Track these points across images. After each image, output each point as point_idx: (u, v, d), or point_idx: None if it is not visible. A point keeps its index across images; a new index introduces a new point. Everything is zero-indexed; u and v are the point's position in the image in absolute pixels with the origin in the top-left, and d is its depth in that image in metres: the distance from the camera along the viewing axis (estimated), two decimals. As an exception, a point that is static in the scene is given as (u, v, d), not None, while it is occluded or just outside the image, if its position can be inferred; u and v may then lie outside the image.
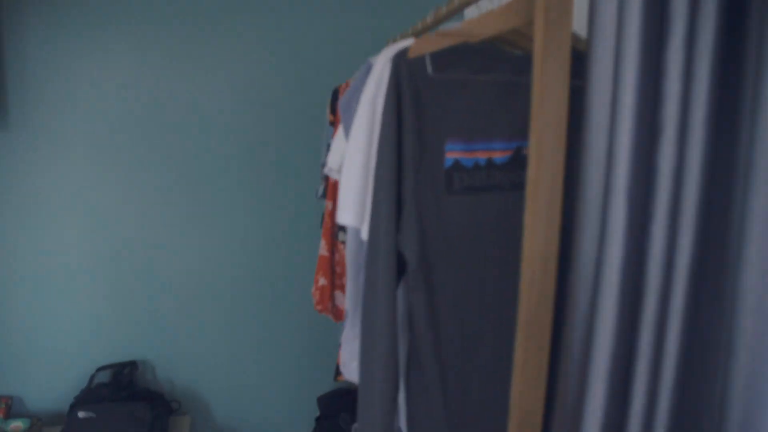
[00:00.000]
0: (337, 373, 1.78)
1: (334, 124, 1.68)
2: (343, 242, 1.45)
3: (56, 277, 1.83)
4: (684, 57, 0.68)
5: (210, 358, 1.98)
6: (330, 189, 1.59)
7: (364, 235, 1.04)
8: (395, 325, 1.01)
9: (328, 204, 1.60)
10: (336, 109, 1.68)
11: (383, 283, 0.99)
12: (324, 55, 1.91)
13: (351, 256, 1.18)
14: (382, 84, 1.02)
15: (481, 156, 1.06)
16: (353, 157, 1.04)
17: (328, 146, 1.69)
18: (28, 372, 1.85)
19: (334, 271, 1.62)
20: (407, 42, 1.04)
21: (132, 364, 1.89)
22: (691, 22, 0.68)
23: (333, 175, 1.26)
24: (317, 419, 1.83)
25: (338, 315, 1.65)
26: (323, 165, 1.82)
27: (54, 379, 1.87)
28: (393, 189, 0.99)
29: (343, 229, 1.45)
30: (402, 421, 1.17)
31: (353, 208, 1.03)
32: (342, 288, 1.64)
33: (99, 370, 1.86)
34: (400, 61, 0.99)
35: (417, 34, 1.31)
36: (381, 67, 1.02)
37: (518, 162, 1.08)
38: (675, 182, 0.72)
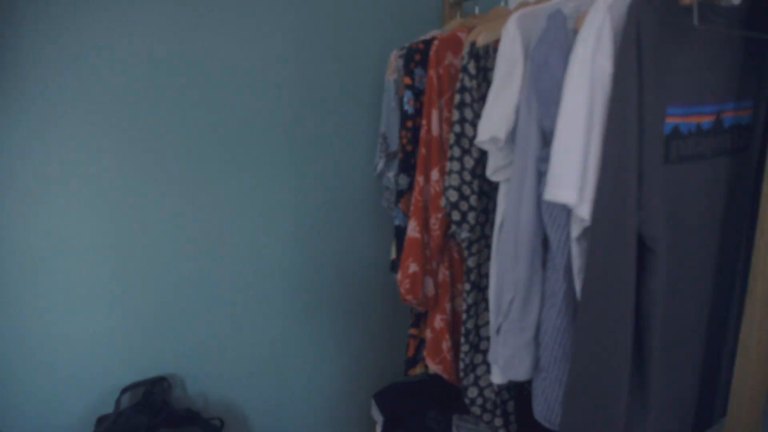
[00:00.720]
0: (410, 365, 1.63)
1: (412, 87, 1.48)
2: (458, 222, 1.29)
3: (52, 286, 1.47)
4: None
5: (244, 364, 1.71)
6: (421, 163, 1.41)
7: (585, 213, 0.90)
8: (633, 318, 0.89)
9: (419, 180, 1.42)
10: (412, 71, 1.49)
11: (624, 269, 0.87)
12: (372, 14, 1.68)
13: (524, 235, 1.03)
14: (604, 36, 0.87)
15: (694, 121, 0.95)
16: (572, 124, 0.88)
17: (406, 113, 1.49)
18: (23, 407, 1.48)
19: (425, 255, 1.45)
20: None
21: (162, 381, 1.59)
22: None
23: (489, 147, 1.09)
24: (387, 423, 1.65)
25: (428, 304, 1.49)
26: (384, 137, 1.63)
27: (57, 411, 1.52)
28: (636, 159, 0.85)
29: (457, 207, 1.27)
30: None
31: (576, 184, 0.88)
32: (431, 273, 1.47)
33: (125, 391, 1.54)
34: (642, 9, 0.84)
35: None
36: (601, 18, 0.87)
37: (720, 127, 0.99)
38: None
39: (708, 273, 1.02)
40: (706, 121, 0.97)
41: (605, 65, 0.88)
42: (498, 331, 1.12)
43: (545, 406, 1.11)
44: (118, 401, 1.52)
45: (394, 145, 1.61)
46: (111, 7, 1.40)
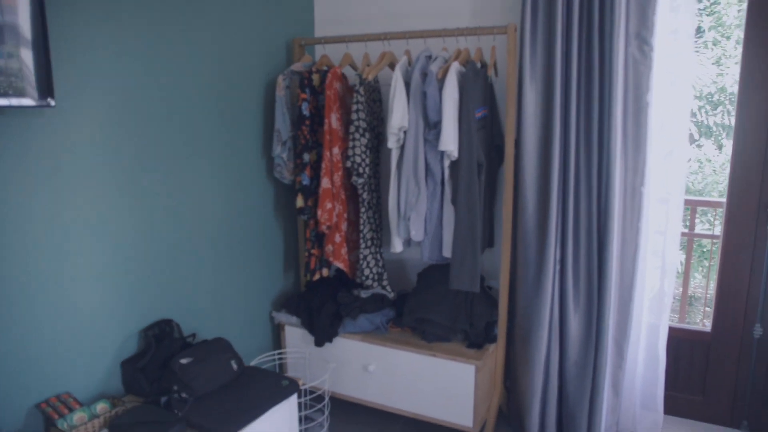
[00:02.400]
0: (312, 274, 2.58)
1: (306, 99, 2.42)
2: (360, 173, 2.34)
3: (80, 262, 1.83)
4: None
5: (199, 303, 2.31)
6: (326, 144, 2.38)
7: (456, 153, 2.17)
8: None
9: (327, 154, 2.39)
10: (305, 90, 2.43)
11: (476, 177, 2.18)
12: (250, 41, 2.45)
13: (421, 168, 2.23)
14: (455, 84, 2.16)
15: (478, 114, 2.34)
16: (451, 116, 2.14)
17: (305, 116, 2.43)
18: (57, 355, 1.81)
19: (332, 197, 2.44)
20: (457, 64, 2.19)
21: (169, 321, 2.08)
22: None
23: (396, 132, 2.22)
24: (305, 316, 2.54)
25: (332, 227, 2.48)
26: (278, 131, 2.50)
27: (85, 355, 1.88)
28: (474, 130, 2.17)
29: (360, 165, 2.33)
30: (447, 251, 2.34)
31: (454, 141, 2.15)
32: (334, 208, 2.48)
33: (146, 330, 1.99)
34: (468, 73, 2.15)
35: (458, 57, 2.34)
36: (454, 75, 2.15)
37: (481, 117, 2.41)
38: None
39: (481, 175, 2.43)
40: (480, 115, 2.37)
41: (455, 95, 2.16)
42: (408, 219, 2.28)
43: (429, 252, 2.35)
44: (145, 337, 1.98)
45: (285, 136, 2.50)
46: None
